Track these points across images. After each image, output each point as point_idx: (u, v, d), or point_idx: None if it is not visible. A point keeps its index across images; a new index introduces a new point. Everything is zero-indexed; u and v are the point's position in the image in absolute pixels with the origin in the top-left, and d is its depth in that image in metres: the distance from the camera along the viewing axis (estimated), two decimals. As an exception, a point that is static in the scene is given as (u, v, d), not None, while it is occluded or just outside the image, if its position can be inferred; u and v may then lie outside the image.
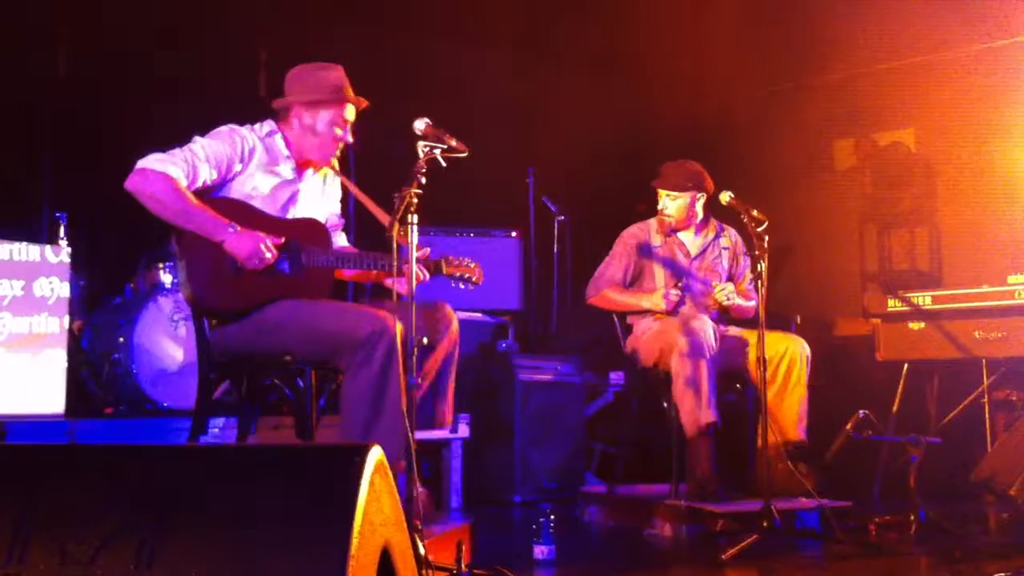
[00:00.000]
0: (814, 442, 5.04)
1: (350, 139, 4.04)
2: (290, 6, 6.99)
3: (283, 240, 3.78)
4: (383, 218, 3.83)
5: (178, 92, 6.42)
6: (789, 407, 5.00)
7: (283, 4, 7.00)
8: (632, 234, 5.45)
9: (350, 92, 3.98)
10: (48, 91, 6.36)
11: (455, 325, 3.97)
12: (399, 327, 3.53)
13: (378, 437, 3.51)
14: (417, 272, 3.65)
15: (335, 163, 4.15)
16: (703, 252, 5.43)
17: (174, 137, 3.76)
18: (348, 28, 6.85)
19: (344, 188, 4.23)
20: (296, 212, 4.00)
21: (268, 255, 3.68)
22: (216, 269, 3.68)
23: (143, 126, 5.67)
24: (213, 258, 3.66)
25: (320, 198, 4.14)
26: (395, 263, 3.44)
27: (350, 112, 4.00)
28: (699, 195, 5.35)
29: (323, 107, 3.95)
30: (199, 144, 3.77)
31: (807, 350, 5.05)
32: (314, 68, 3.99)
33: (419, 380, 3.40)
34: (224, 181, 3.83)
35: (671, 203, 5.36)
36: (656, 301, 5.24)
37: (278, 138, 3.98)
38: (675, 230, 5.42)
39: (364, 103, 4.03)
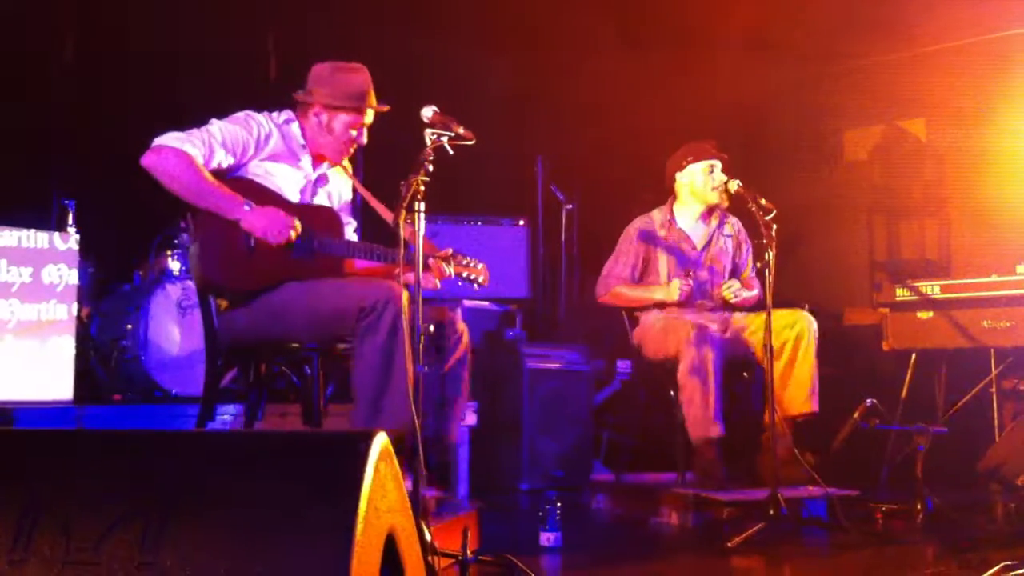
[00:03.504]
0: (821, 430, 5.04)
1: (364, 141, 4.05)
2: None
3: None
4: (389, 218, 3.84)
5: (186, 78, 6.42)
6: (799, 378, 4.99)
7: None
8: (637, 227, 5.41)
9: (372, 99, 3.98)
10: (56, 78, 6.37)
11: (466, 339, 3.97)
12: (405, 295, 3.54)
13: (389, 405, 3.54)
14: (427, 279, 3.67)
15: (347, 163, 4.17)
16: (708, 243, 5.41)
17: (182, 124, 3.77)
18: (355, 17, 6.84)
19: (353, 188, 4.25)
20: (307, 202, 4.01)
21: (286, 230, 3.68)
22: (228, 248, 3.69)
23: (151, 113, 5.68)
24: (226, 237, 3.68)
25: (333, 189, 4.15)
26: (402, 256, 3.43)
27: (369, 117, 4.01)
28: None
29: (343, 111, 3.96)
30: (216, 126, 3.78)
31: (814, 324, 5.05)
32: (340, 69, 3.98)
33: (425, 368, 3.40)
34: (239, 165, 3.85)
35: (712, 175, 5.28)
36: (669, 292, 5.20)
37: (295, 127, 3.99)
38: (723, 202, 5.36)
39: (385, 108, 4.03)
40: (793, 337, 5.01)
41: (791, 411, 4.98)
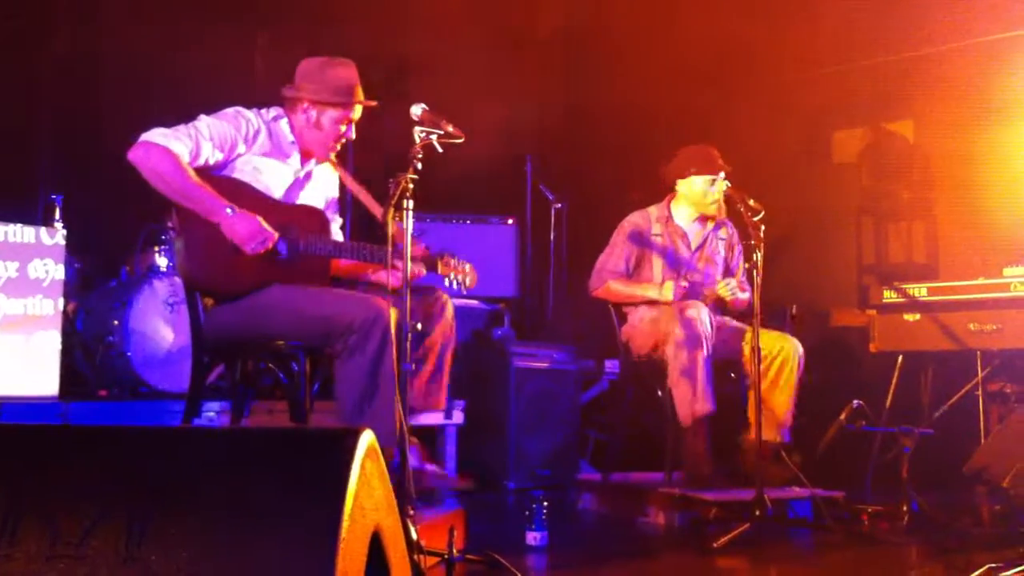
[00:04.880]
0: (807, 431, 5.05)
1: (352, 136, 4.04)
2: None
3: (282, 225, 3.78)
4: (378, 212, 3.83)
5: (175, 74, 6.40)
6: (776, 407, 4.98)
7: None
8: (632, 222, 5.39)
9: (360, 94, 3.97)
10: (45, 72, 6.34)
11: (449, 310, 3.95)
12: (394, 314, 3.53)
13: (370, 424, 3.51)
14: (413, 269, 3.65)
15: (335, 158, 4.16)
16: (703, 243, 5.41)
17: (170, 119, 3.75)
18: (345, 13, 6.83)
19: (341, 182, 4.24)
20: (296, 198, 4.00)
21: (265, 242, 3.68)
22: (213, 248, 3.68)
23: (140, 108, 5.67)
24: (211, 237, 3.66)
25: (321, 186, 4.14)
26: (390, 253, 3.43)
27: (357, 112, 4.00)
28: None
29: (332, 107, 3.95)
30: (204, 122, 3.76)
31: (800, 350, 5.04)
32: (328, 64, 3.96)
33: (413, 366, 3.40)
34: (227, 162, 3.84)
35: (713, 188, 5.25)
36: (663, 293, 5.20)
37: (284, 124, 3.98)
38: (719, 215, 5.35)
39: (373, 103, 4.02)
40: (778, 361, 4.99)
41: (763, 437, 4.93)
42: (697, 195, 5.30)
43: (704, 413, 4.85)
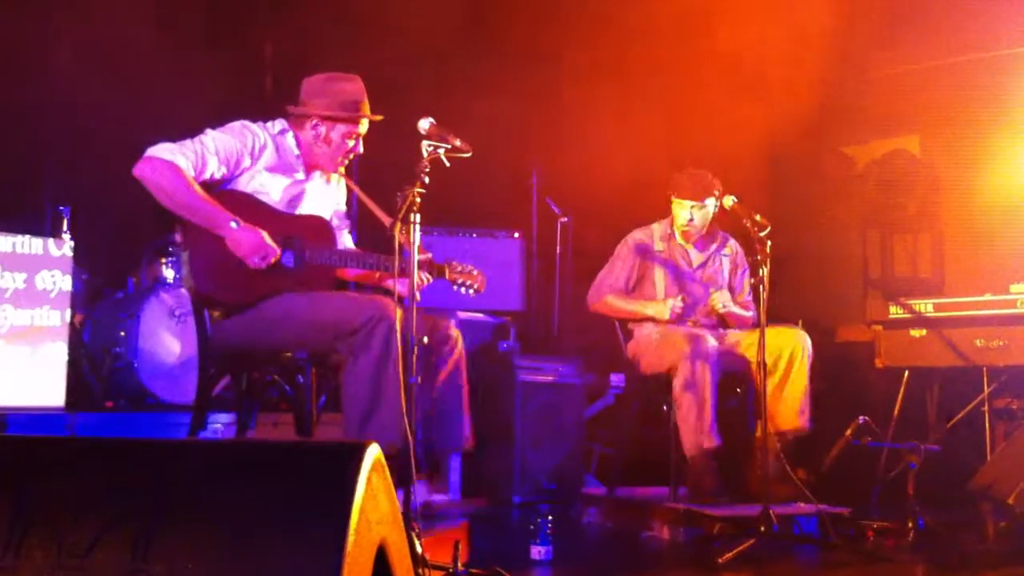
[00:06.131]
0: (813, 447, 5.04)
1: (360, 150, 4.05)
2: (295, 5, 7.00)
3: (288, 236, 3.79)
4: (386, 220, 3.84)
5: (183, 86, 6.42)
6: (791, 396, 4.98)
7: (289, 2, 7.01)
8: (635, 239, 5.40)
9: (367, 108, 3.99)
10: (52, 83, 6.36)
11: (460, 346, 3.93)
12: (399, 313, 3.53)
13: (379, 422, 3.53)
14: (420, 276, 3.65)
15: (342, 169, 4.17)
16: (706, 261, 5.40)
17: (178, 132, 3.77)
18: (352, 29, 6.85)
19: (348, 189, 4.25)
20: (302, 211, 4.01)
21: (267, 257, 3.69)
22: (219, 261, 3.69)
23: (147, 120, 5.68)
24: (217, 250, 3.68)
25: (326, 198, 4.14)
26: (396, 264, 3.44)
27: (364, 126, 4.01)
28: (716, 202, 5.29)
29: (340, 122, 3.96)
30: (210, 136, 3.78)
31: (808, 342, 5.03)
32: (334, 79, 3.99)
33: (419, 379, 3.39)
34: (232, 176, 3.85)
35: (698, 213, 5.26)
36: (660, 310, 5.19)
37: (289, 137, 3.99)
38: (687, 240, 5.37)
39: (378, 118, 4.03)
40: (787, 354, 5.00)
41: (781, 427, 4.97)
42: (676, 217, 5.32)
43: (710, 447, 4.85)
